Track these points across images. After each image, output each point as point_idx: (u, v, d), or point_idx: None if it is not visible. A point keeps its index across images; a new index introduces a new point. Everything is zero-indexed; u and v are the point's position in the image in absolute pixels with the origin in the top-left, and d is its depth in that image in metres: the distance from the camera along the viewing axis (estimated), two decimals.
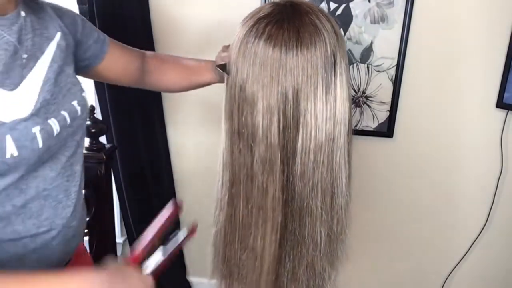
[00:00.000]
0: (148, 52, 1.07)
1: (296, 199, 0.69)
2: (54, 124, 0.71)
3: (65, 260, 0.83)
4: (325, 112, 0.65)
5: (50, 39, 0.76)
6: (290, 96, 0.64)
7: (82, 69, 0.91)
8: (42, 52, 0.73)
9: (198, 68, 1.03)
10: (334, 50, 0.64)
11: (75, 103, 0.77)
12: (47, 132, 0.69)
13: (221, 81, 0.96)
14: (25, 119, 0.66)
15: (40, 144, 0.67)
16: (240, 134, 0.69)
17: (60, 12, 0.83)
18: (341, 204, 0.71)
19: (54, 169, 0.74)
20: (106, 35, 0.96)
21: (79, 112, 0.78)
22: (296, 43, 0.62)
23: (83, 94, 0.81)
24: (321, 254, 0.72)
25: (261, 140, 0.67)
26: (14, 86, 0.66)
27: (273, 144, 0.66)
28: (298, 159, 0.67)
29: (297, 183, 0.68)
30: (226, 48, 0.77)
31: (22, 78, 0.68)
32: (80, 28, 0.87)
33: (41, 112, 0.69)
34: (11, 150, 0.63)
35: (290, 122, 0.66)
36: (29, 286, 0.56)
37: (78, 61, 0.88)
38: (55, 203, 0.75)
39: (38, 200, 0.73)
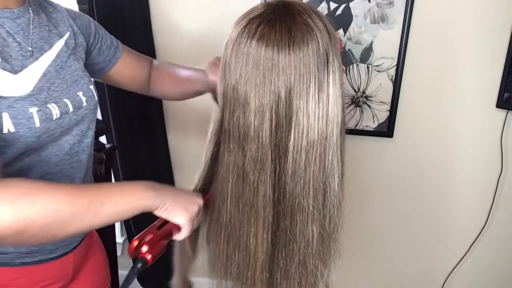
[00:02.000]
0: (155, 61, 1.10)
1: (287, 197, 0.70)
2: (54, 109, 0.75)
3: (71, 244, 0.87)
4: (318, 111, 0.65)
5: (59, 36, 0.83)
6: (282, 95, 0.65)
7: (96, 72, 0.97)
8: (50, 46, 0.80)
9: (188, 78, 1.06)
10: (326, 49, 0.64)
11: (80, 93, 0.82)
12: (45, 114, 0.73)
13: (209, 89, 1.02)
14: (22, 99, 0.70)
15: (37, 124, 0.71)
16: (231, 134, 0.70)
17: (74, 14, 0.90)
18: (334, 203, 0.71)
19: (57, 155, 0.79)
20: (119, 42, 1.01)
21: (85, 103, 0.82)
22: (288, 42, 0.63)
23: (91, 86, 0.86)
24: (313, 252, 0.72)
25: (252, 139, 0.67)
26: (14, 72, 0.71)
27: (264, 143, 0.67)
28: (289, 158, 0.67)
29: (288, 181, 0.69)
30: (218, 60, 0.77)
31: (24, 66, 0.73)
32: (94, 32, 0.93)
33: (41, 96, 0.73)
34: (8, 126, 0.68)
35: (282, 121, 0.66)
36: (104, 188, 0.65)
37: (92, 64, 0.94)
38: None
39: None
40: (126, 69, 1.01)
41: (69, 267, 0.88)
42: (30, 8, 0.79)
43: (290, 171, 0.67)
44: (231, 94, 0.68)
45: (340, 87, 0.67)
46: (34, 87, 0.73)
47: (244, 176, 0.70)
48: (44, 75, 0.76)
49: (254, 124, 0.66)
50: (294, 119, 0.65)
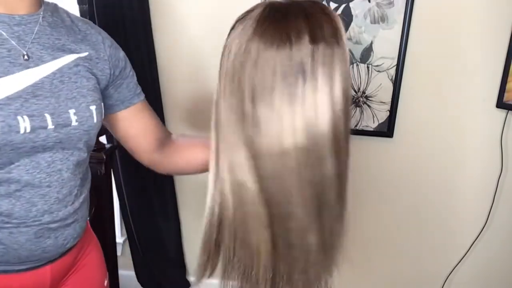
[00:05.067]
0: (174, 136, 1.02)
1: (273, 202, 0.69)
2: (23, 122, 0.70)
3: (46, 258, 0.83)
4: (291, 118, 0.64)
5: (71, 52, 0.79)
6: (249, 94, 0.65)
7: (106, 108, 0.90)
8: (53, 59, 0.76)
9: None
10: (302, 59, 0.63)
11: (71, 111, 0.77)
12: (8, 126, 0.68)
13: None
14: None
15: None
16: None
17: (111, 43, 0.88)
18: (332, 212, 0.70)
19: (30, 173, 0.74)
20: (143, 94, 0.95)
21: (74, 122, 0.77)
22: (272, 41, 0.63)
23: (91, 107, 0.80)
24: (315, 261, 0.71)
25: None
26: None
27: (237, 141, 0.67)
28: (264, 162, 0.67)
29: (270, 185, 0.68)
30: None
31: (7, 73, 0.70)
32: (122, 67, 0.90)
33: (11, 106, 0.69)
34: None
35: (250, 119, 0.66)
36: None
37: (106, 96, 0.89)
38: (28, 206, 0.76)
39: (9, 200, 0.74)
40: (137, 120, 0.94)
41: (45, 279, 0.84)
42: (42, 18, 0.76)
43: (268, 174, 0.67)
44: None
45: (323, 104, 0.64)
46: (8, 96, 0.69)
47: None
48: (33, 85, 0.73)
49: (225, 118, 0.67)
50: (261, 120, 0.64)
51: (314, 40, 0.63)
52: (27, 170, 0.74)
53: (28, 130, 0.71)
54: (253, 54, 0.63)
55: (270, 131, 0.64)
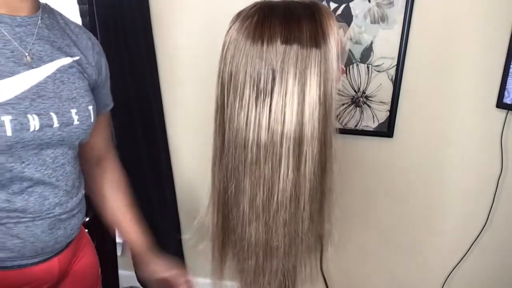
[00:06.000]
0: (115, 164, 1.08)
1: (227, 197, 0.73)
2: (33, 120, 0.73)
3: (55, 250, 0.86)
4: (257, 115, 0.65)
5: (66, 54, 0.81)
6: (227, 86, 0.67)
7: None
8: (51, 60, 0.78)
9: (127, 228, 1.08)
10: (274, 65, 0.63)
11: (73, 111, 0.80)
12: (20, 124, 0.71)
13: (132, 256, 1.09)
14: None
15: (9, 133, 0.70)
16: None
17: (99, 49, 0.91)
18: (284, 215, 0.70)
19: (39, 170, 0.78)
20: (112, 104, 1.00)
21: (76, 121, 0.81)
22: (247, 38, 0.64)
23: (89, 107, 0.84)
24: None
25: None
26: (1, 77, 0.71)
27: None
28: (226, 155, 0.69)
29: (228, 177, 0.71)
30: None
31: (14, 73, 0.72)
32: (104, 75, 0.93)
33: (21, 105, 0.72)
34: None
35: (219, 108, 0.70)
36: None
37: None
38: (40, 200, 0.80)
39: (22, 196, 0.77)
40: (98, 129, 0.96)
41: (54, 270, 0.87)
42: (41, 20, 0.78)
43: (229, 167, 0.70)
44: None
45: (292, 105, 0.64)
46: (17, 96, 0.71)
47: None
48: (37, 85, 0.75)
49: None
50: (234, 113, 0.67)
51: (286, 41, 0.63)
52: (36, 168, 0.77)
53: (37, 128, 0.74)
54: (231, 50, 0.66)
55: (238, 124, 0.67)
